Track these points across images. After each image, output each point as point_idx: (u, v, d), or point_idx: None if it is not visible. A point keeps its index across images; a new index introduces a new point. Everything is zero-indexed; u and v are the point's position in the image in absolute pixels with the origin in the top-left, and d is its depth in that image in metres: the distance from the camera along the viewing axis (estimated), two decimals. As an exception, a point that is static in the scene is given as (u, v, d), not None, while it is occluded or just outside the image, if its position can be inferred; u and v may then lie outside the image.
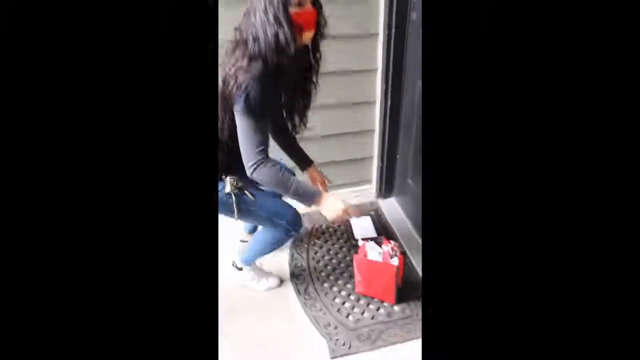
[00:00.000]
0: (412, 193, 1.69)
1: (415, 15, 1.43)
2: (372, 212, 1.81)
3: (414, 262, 1.51)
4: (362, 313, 1.32)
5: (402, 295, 1.35)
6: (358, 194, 1.93)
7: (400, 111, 1.68)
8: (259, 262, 1.45)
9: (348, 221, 1.73)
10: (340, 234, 1.69)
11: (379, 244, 1.32)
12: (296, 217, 1.24)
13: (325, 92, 1.54)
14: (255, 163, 1.03)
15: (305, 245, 1.63)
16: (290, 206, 1.25)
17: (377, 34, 1.55)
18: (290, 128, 1.28)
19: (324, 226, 1.74)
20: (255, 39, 0.96)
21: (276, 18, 0.92)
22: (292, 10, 0.93)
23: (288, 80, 1.12)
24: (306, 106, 1.23)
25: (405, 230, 1.70)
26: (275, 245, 1.32)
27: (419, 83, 1.47)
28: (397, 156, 1.78)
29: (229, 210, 1.17)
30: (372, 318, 1.30)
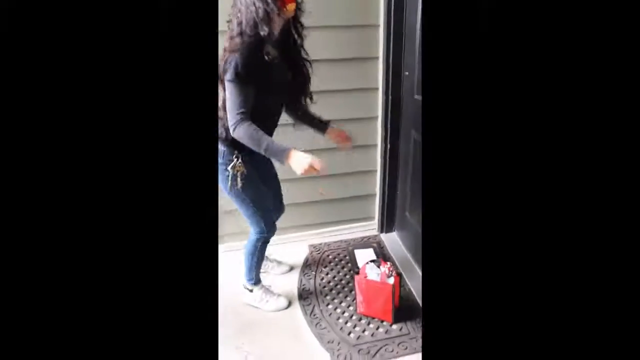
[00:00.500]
0: (410, 226, 1.86)
1: (407, 73, 1.70)
2: (375, 244, 1.97)
3: (411, 288, 1.64)
4: (363, 331, 1.45)
5: (399, 315, 1.47)
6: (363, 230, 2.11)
7: (398, 154, 1.90)
8: (268, 283, 1.61)
9: (352, 252, 1.89)
10: (345, 263, 1.85)
11: (377, 265, 1.48)
12: (269, 221, 1.43)
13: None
14: (235, 122, 1.13)
15: (313, 272, 1.78)
16: (269, 211, 1.43)
17: (377, 88, 1.83)
18: (297, 105, 1.40)
19: (330, 256, 1.90)
20: (240, 22, 1.11)
21: None
22: None
23: (275, 55, 1.20)
24: (305, 82, 1.34)
25: (405, 260, 1.85)
26: (253, 251, 1.48)
27: (413, 131, 1.71)
28: (397, 193, 1.98)
29: (224, 182, 1.29)
30: (372, 335, 1.43)
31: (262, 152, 1.16)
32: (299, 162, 1.13)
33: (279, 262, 1.82)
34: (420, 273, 1.73)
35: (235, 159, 1.24)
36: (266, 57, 1.14)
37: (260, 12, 1.08)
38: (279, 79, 1.26)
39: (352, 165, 1.96)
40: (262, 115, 1.22)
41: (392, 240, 2.02)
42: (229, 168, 1.24)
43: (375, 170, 2.00)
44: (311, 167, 1.12)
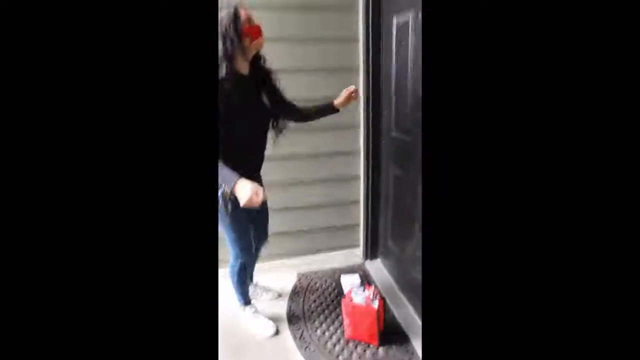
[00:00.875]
0: (392, 254, 1.98)
1: (385, 112, 1.88)
2: (360, 272, 2.07)
3: (395, 313, 1.74)
4: (351, 354, 1.53)
5: (385, 338, 1.57)
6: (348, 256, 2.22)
7: (379, 186, 2.05)
8: (255, 308, 1.70)
9: (338, 278, 1.98)
10: (332, 289, 1.94)
11: (362, 290, 1.58)
12: (246, 247, 1.51)
13: (319, 168, 1.95)
14: None
15: (301, 298, 1.86)
16: (248, 238, 1.51)
17: (359, 126, 2.00)
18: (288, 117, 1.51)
19: (317, 283, 1.99)
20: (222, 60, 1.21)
21: (230, 33, 1.18)
22: (243, 25, 1.20)
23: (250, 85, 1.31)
24: (280, 102, 1.46)
25: (389, 287, 1.95)
26: (232, 275, 1.57)
27: (392, 165, 1.87)
28: (380, 222, 2.11)
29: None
30: (360, 358, 1.51)
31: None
32: (242, 191, 1.15)
33: (267, 289, 1.90)
34: (403, 299, 1.84)
35: (225, 186, 1.24)
36: (231, 95, 1.20)
37: (230, 51, 1.19)
38: (253, 110, 1.35)
39: (336, 195, 2.10)
40: (240, 143, 1.32)
41: (377, 267, 2.13)
42: (220, 194, 1.29)
43: (359, 201, 2.14)
44: (254, 194, 1.14)
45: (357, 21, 1.83)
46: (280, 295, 1.90)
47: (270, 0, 1.69)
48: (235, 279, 1.58)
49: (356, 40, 1.86)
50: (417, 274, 1.70)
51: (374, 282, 1.99)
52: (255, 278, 1.90)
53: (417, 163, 1.58)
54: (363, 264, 2.17)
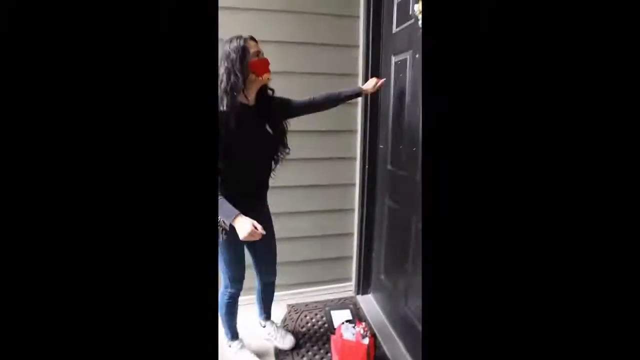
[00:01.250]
0: (385, 289, 1.95)
1: (382, 146, 1.91)
2: (351, 306, 2.03)
3: (386, 350, 1.69)
4: (338, 393, 1.47)
5: (374, 377, 1.51)
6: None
7: (373, 218, 2.05)
8: (242, 344, 1.64)
9: (329, 313, 1.94)
10: (322, 323, 1.88)
11: (353, 326, 1.54)
12: (236, 278, 1.46)
13: (313, 200, 1.95)
14: None
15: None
16: (240, 270, 1.47)
17: (355, 158, 2.02)
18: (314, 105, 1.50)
19: (307, 316, 1.94)
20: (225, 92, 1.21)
21: (236, 67, 1.19)
22: (251, 60, 1.21)
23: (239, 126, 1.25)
24: (282, 132, 1.45)
25: (380, 322, 1.90)
26: (221, 305, 1.52)
27: (387, 198, 1.88)
28: (373, 255, 2.09)
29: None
30: (347, 398, 1.45)
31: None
32: (242, 227, 1.18)
33: (287, 332, 1.77)
34: (394, 335, 1.79)
35: (222, 220, 1.26)
36: (231, 128, 1.21)
37: (223, 85, 1.20)
38: (256, 140, 1.34)
39: (330, 227, 2.08)
40: (243, 175, 1.32)
41: (368, 302, 2.09)
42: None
43: (352, 233, 2.13)
44: (253, 232, 1.17)
45: (357, 58, 1.90)
46: (297, 343, 1.75)
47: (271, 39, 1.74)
48: (223, 310, 1.54)
49: (356, 74, 1.92)
50: (408, 310, 1.67)
51: (365, 317, 1.94)
52: (272, 317, 1.80)
53: (412, 197, 1.59)
54: (355, 298, 2.13)
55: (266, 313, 1.75)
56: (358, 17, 1.84)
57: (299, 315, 1.95)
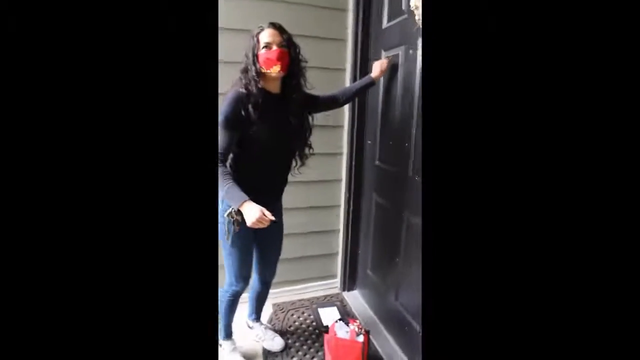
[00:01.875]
0: (372, 284, 1.95)
1: (370, 142, 1.90)
2: (338, 303, 2.01)
3: (376, 345, 1.69)
4: (333, 392, 1.45)
5: (368, 374, 1.51)
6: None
7: (360, 215, 2.04)
8: (234, 345, 1.58)
9: (316, 310, 1.91)
10: (310, 322, 1.86)
11: (346, 324, 1.52)
12: (241, 276, 1.41)
13: (298, 196, 1.91)
14: None
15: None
16: (246, 267, 1.42)
17: (342, 153, 2.00)
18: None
19: (294, 315, 1.90)
20: (244, 65, 1.24)
21: (249, 57, 1.21)
22: (259, 52, 1.20)
23: (259, 111, 1.22)
24: (304, 129, 1.40)
25: (368, 318, 1.90)
26: (222, 300, 1.46)
27: (374, 194, 1.87)
28: (359, 252, 2.08)
29: (220, 230, 1.30)
30: (342, 396, 1.43)
31: (222, 192, 1.17)
32: (250, 212, 1.13)
33: (276, 333, 1.72)
34: (384, 330, 1.79)
35: (231, 208, 1.21)
36: (249, 111, 1.19)
37: (251, 72, 1.21)
38: (277, 130, 1.28)
39: (315, 224, 2.05)
40: (255, 159, 1.28)
41: (355, 298, 2.08)
42: (225, 215, 1.22)
43: (338, 230, 2.11)
44: (261, 218, 1.12)
45: (345, 51, 1.87)
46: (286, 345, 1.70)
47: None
48: (222, 306, 1.47)
49: (344, 69, 1.89)
50: (398, 304, 1.67)
51: (352, 314, 1.93)
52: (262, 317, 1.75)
53: (402, 193, 1.60)
54: (341, 295, 2.12)
55: (257, 314, 1.70)
56: (347, 10, 1.82)
57: (286, 315, 1.91)
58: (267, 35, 1.21)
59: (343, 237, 2.09)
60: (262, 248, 1.50)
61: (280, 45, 1.21)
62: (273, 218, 1.15)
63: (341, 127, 1.96)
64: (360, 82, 1.60)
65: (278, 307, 1.96)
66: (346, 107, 1.92)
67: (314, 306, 1.96)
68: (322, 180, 2.00)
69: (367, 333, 1.50)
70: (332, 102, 1.56)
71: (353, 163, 1.96)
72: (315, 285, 2.14)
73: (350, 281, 2.13)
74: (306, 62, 1.33)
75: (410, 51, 1.49)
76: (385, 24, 1.67)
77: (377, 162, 1.83)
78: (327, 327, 1.74)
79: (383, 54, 1.70)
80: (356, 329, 1.49)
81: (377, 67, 1.57)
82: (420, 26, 1.33)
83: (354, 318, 1.63)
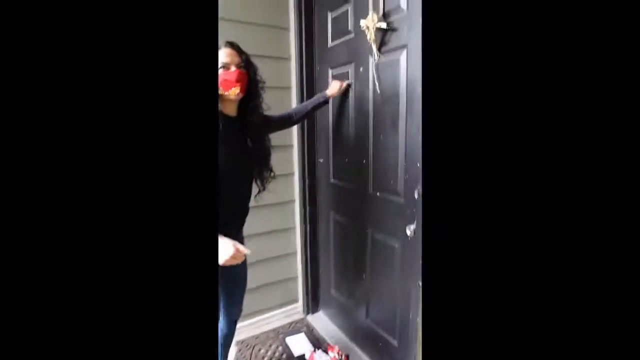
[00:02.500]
0: (338, 304, 1.92)
1: (322, 160, 1.88)
2: (304, 328, 1.94)
3: (353, 367, 1.66)
4: None
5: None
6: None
7: (317, 235, 2.00)
8: None
9: (284, 341, 1.81)
10: (280, 355, 1.75)
11: (325, 352, 1.47)
12: (234, 308, 1.39)
13: (249, 222, 1.80)
14: None
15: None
16: (238, 298, 1.39)
17: (293, 173, 1.94)
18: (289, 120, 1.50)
19: (262, 350, 1.78)
20: None
21: None
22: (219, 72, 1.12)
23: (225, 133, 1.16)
24: (265, 152, 1.33)
25: (337, 337, 1.86)
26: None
27: (332, 212, 1.85)
28: (320, 272, 2.03)
29: None
30: None
31: None
32: (222, 249, 1.04)
33: None
34: (355, 347, 1.76)
35: None
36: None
37: None
38: (237, 155, 1.21)
39: (271, 249, 1.96)
40: (222, 188, 1.14)
41: (320, 320, 2.03)
42: None
43: (295, 253, 2.04)
44: (235, 255, 1.04)
45: (289, 69, 1.83)
46: None
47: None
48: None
49: (289, 87, 1.85)
50: (369, 321, 1.67)
51: (321, 336, 1.87)
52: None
53: (364, 210, 1.60)
54: (305, 319, 2.04)
55: (225, 358, 1.54)
56: (288, 29, 1.78)
57: (252, 351, 1.78)
58: (224, 55, 1.12)
59: (302, 259, 2.02)
60: (229, 285, 1.37)
61: (238, 66, 1.14)
62: (248, 251, 1.06)
63: (291, 146, 1.91)
64: (313, 101, 1.57)
65: (243, 344, 1.82)
66: (295, 126, 1.87)
67: (281, 336, 1.86)
68: (275, 203, 1.92)
69: (347, 358, 1.46)
70: (285, 122, 1.52)
71: (306, 182, 1.92)
72: (277, 314, 2.04)
73: (313, 303, 2.07)
74: (264, 82, 1.27)
75: (361, 69, 1.50)
76: (330, 42, 1.68)
77: (332, 180, 1.82)
78: (301, 356, 1.67)
79: (330, 72, 1.70)
80: (336, 356, 1.44)
81: (336, 87, 1.56)
82: (373, 45, 1.35)
83: (330, 345, 1.57)
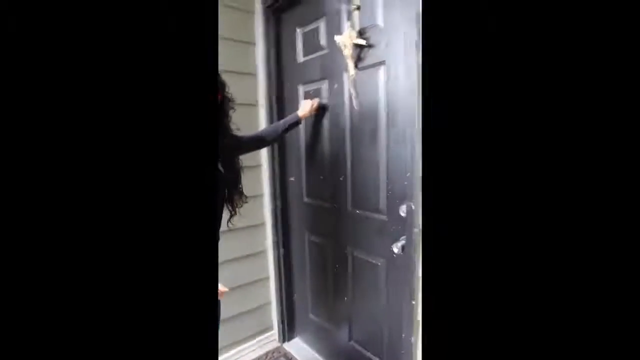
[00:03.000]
0: (317, 327, 1.83)
1: (293, 179, 1.81)
2: (282, 358, 1.82)
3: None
4: None
5: None
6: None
7: (290, 257, 1.91)
8: None
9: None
10: (260, 391, 1.62)
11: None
12: None
13: (222, 247, 1.68)
14: None
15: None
16: None
17: (262, 195, 1.85)
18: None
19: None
20: None
21: None
22: None
23: None
24: (236, 176, 1.27)
25: (318, 365, 1.78)
26: None
27: (307, 233, 1.78)
28: (294, 297, 1.94)
29: None
30: None
31: None
32: None
33: None
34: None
35: None
36: None
37: None
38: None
39: (241, 276, 1.83)
40: None
41: (298, 347, 1.92)
42: None
43: (268, 278, 1.93)
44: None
45: (256, 86, 1.75)
46: None
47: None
48: None
49: (255, 104, 1.77)
50: (353, 343, 1.61)
51: (301, 366, 1.77)
52: None
53: (343, 228, 1.55)
54: (282, 348, 1.92)
55: None
56: (255, 43, 1.71)
57: (228, 390, 1.63)
58: None
59: (276, 284, 1.92)
60: None
61: None
62: (226, 289, 0.97)
63: (260, 166, 1.82)
64: (285, 122, 1.50)
65: (217, 385, 1.66)
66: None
67: (258, 370, 1.74)
68: (245, 227, 1.80)
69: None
70: (257, 143, 1.46)
71: (277, 203, 1.84)
72: (252, 345, 1.90)
73: (289, 330, 1.97)
74: (234, 101, 1.19)
75: (336, 85, 1.48)
76: (301, 58, 1.63)
77: (306, 200, 1.75)
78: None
79: (301, 88, 1.65)
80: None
81: (307, 107, 1.51)
82: (349, 62, 1.33)
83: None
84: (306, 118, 1.56)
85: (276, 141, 1.58)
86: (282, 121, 1.51)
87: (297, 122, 1.51)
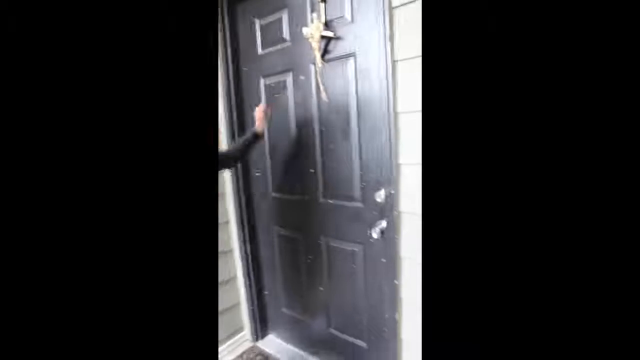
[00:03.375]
0: (291, 320, 1.84)
1: (259, 173, 1.77)
2: (258, 357, 1.80)
3: (323, 382, 1.62)
4: None
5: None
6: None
7: (259, 254, 1.88)
8: None
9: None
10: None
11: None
12: None
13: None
14: None
15: None
16: None
17: (224, 193, 1.78)
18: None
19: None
20: None
21: None
22: None
23: None
24: None
25: (297, 355, 1.78)
26: None
27: (275, 227, 1.77)
28: (265, 293, 1.91)
29: None
30: None
31: None
32: None
33: None
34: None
35: None
36: None
37: None
38: None
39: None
40: None
41: (272, 343, 1.91)
42: None
43: (235, 277, 1.88)
44: None
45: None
46: None
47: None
48: None
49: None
50: (332, 330, 1.65)
51: (278, 359, 1.77)
52: None
53: (314, 220, 1.57)
54: (255, 347, 1.89)
55: None
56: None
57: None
58: None
59: (245, 282, 1.87)
60: None
61: None
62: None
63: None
64: (244, 140, 1.42)
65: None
66: (224, 140, 1.73)
67: (237, 372, 1.69)
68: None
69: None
70: (223, 161, 1.38)
71: (242, 200, 1.79)
72: (224, 348, 1.84)
73: (261, 327, 1.94)
74: None
75: (302, 77, 1.47)
76: (260, 50, 1.59)
77: (273, 194, 1.73)
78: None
79: (262, 80, 1.62)
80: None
81: (260, 116, 1.45)
82: (317, 54, 1.34)
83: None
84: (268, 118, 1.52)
85: (243, 160, 1.52)
86: (240, 141, 1.43)
87: (255, 137, 1.44)
